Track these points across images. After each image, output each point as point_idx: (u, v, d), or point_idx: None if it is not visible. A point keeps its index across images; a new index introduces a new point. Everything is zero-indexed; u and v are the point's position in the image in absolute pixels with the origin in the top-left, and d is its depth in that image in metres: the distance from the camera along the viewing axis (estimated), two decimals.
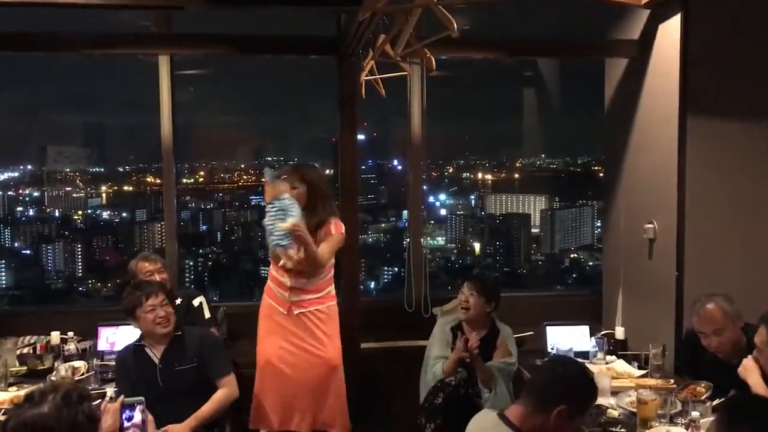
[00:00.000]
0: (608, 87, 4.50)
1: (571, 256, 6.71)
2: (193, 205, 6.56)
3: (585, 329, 3.97)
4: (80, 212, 6.56)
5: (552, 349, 3.84)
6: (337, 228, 3.62)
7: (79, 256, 6.28)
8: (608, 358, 3.73)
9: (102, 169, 6.61)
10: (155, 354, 3.30)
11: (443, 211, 6.72)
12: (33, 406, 1.91)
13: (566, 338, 3.88)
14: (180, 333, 3.34)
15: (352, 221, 4.02)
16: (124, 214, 6.62)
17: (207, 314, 3.95)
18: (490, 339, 3.66)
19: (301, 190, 3.57)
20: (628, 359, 3.71)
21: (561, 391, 2.21)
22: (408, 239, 4.88)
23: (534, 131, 6.39)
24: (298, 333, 3.62)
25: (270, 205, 3.31)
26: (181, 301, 3.83)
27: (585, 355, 3.74)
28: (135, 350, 3.35)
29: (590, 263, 6.68)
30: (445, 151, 6.35)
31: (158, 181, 6.57)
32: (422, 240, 4.71)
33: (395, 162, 6.17)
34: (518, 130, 6.39)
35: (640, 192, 4.22)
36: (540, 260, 6.81)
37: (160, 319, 3.26)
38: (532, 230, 6.74)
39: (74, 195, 6.48)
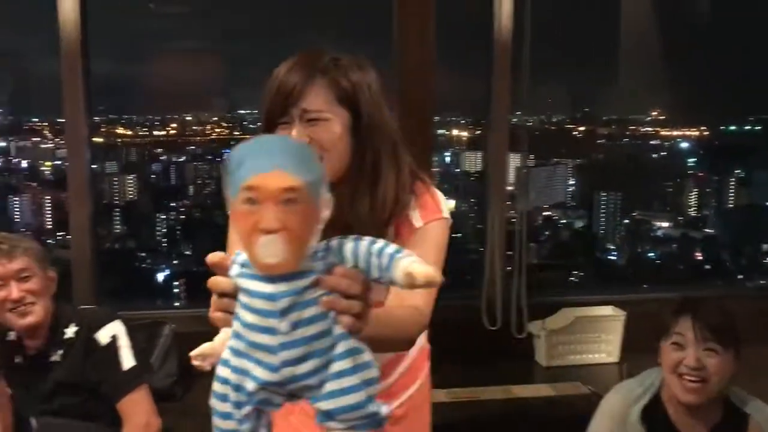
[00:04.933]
0: None
1: (544, 213, 6.75)
2: (165, 158, 6.45)
3: None
4: (48, 163, 6.42)
5: None
6: None
7: (48, 208, 6.17)
8: None
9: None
10: None
11: None
12: None
13: None
14: None
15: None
16: (94, 166, 6.50)
17: (127, 360, 2.27)
18: (729, 430, 2.00)
19: None
20: None
21: None
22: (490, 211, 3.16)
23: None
24: None
25: None
26: (77, 332, 2.27)
27: None
28: None
29: (563, 221, 6.73)
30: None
31: (129, 132, 6.45)
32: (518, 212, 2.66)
33: None
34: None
35: None
36: (514, 218, 6.85)
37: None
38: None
39: (42, 146, 6.34)
